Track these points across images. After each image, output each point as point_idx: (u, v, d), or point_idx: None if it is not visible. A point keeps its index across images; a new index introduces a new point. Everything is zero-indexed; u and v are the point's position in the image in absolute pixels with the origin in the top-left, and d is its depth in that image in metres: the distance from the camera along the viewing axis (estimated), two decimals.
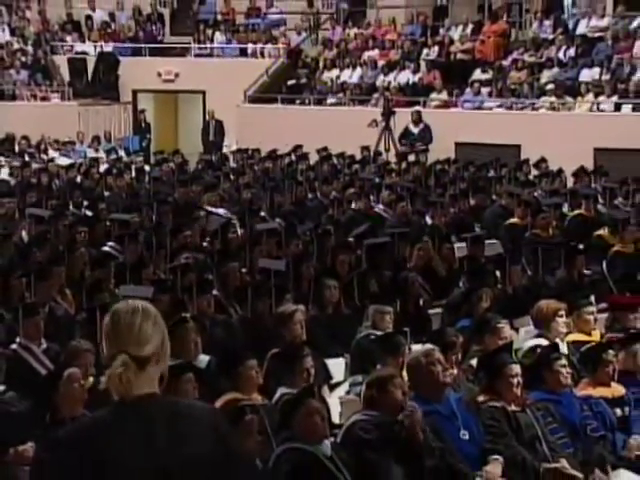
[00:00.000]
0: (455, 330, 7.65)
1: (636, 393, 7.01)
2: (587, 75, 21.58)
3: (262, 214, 14.02)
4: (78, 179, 18.58)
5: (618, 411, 6.87)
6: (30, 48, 27.12)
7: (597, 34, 22.57)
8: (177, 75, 26.58)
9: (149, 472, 3.09)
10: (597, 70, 21.53)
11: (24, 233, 13.11)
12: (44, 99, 25.94)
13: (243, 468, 3.33)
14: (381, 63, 24.81)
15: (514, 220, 13.45)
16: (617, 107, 20.67)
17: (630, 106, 20.48)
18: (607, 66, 21.46)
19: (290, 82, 25.81)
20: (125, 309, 3.23)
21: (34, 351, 7.93)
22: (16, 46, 26.95)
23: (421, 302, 9.82)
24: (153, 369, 3.18)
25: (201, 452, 3.14)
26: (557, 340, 7.68)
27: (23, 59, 26.67)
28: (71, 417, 6.11)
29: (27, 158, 21.89)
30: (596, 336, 8.07)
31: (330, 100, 24.69)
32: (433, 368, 6.29)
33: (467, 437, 6.21)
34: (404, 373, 6.71)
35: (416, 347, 7.41)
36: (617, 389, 6.95)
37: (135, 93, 26.81)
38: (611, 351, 7.04)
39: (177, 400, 3.31)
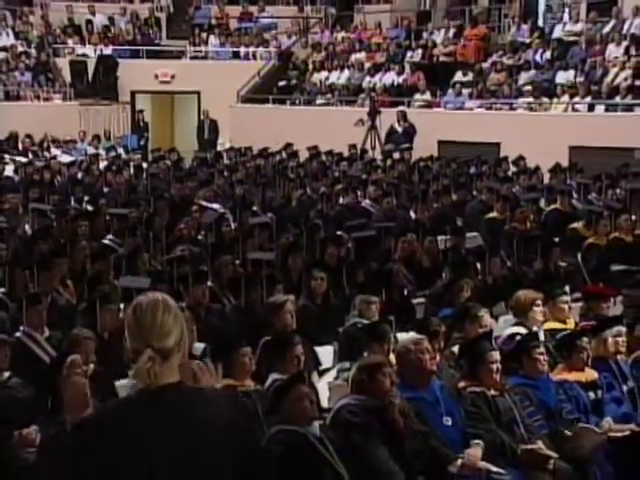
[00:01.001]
0: (438, 319, 7.67)
1: (608, 377, 7.03)
2: (562, 77, 21.61)
3: (254, 209, 14.00)
4: (79, 175, 18.53)
5: (591, 394, 6.88)
6: (33, 51, 27.03)
7: (571, 38, 22.61)
8: (173, 77, 26.57)
9: (166, 457, 3.10)
10: (572, 72, 21.56)
11: (27, 227, 13.08)
12: (47, 99, 25.87)
13: (256, 455, 3.34)
14: (367, 65, 24.82)
15: (494, 214, 13.45)
16: (591, 107, 20.70)
17: (603, 106, 20.51)
18: (581, 68, 21.49)
19: (281, 83, 25.81)
20: (146, 303, 3.24)
21: (37, 339, 7.92)
22: (20, 49, 26.85)
23: (405, 292, 9.82)
24: (175, 359, 3.22)
25: (216, 439, 3.16)
26: (534, 328, 7.71)
27: (27, 61, 26.57)
28: (73, 401, 6.13)
29: (30, 156, 21.86)
30: (571, 324, 8.09)
31: (319, 100, 24.69)
32: (421, 356, 6.29)
33: (450, 423, 6.22)
34: (391, 358, 6.73)
35: (401, 335, 7.43)
36: (590, 374, 6.97)
37: (133, 94, 26.77)
38: (585, 338, 7.05)
39: (197, 388, 3.37)
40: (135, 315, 3.23)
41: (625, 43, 21.31)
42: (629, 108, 20.09)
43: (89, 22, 27.78)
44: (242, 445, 3.21)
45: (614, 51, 21.35)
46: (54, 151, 22.92)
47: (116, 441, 3.11)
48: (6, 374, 6.91)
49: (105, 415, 3.25)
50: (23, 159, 20.97)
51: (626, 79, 20.49)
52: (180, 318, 3.27)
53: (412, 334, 6.83)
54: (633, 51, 21.01)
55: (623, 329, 7.30)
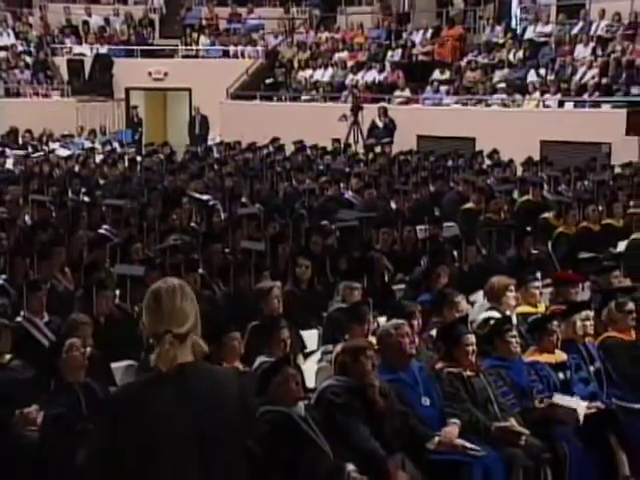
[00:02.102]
0: (413, 302, 7.67)
1: (576, 359, 7.04)
2: (534, 75, 21.63)
3: (243, 200, 13.98)
4: (76, 168, 18.44)
5: (561, 375, 6.89)
6: (33, 50, 26.91)
7: (542, 39, 22.62)
8: (166, 74, 26.47)
9: (186, 432, 3.17)
10: (543, 71, 21.59)
11: (27, 217, 13.01)
12: (45, 96, 25.76)
13: (256, 427, 3.45)
14: (350, 64, 24.78)
15: (469, 205, 13.47)
16: (560, 104, 20.73)
17: (572, 103, 20.54)
18: (551, 67, 21.51)
19: (268, 81, 25.76)
20: (165, 289, 3.31)
21: (37, 324, 7.89)
22: (20, 48, 26.75)
23: (386, 279, 9.82)
24: (189, 340, 3.29)
25: (229, 415, 3.24)
26: (507, 312, 7.72)
27: (26, 60, 26.47)
28: (74, 382, 6.13)
29: (30, 149, 21.76)
30: (542, 308, 8.10)
31: (304, 97, 24.65)
32: (401, 340, 6.29)
33: (428, 403, 6.22)
34: (371, 339, 6.74)
35: (382, 320, 7.43)
36: (560, 355, 6.98)
37: (128, 91, 26.67)
38: (555, 322, 7.06)
39: (210, 367, 3.41)
40: (155, 301, 3.29)
41: (592, 44, 21.35)
42: (596, 105, 20.14)
43: (85, 23, 27.66)
44: (249, 414, 3.37)
45: (582, 51, 21.38)
46: (52, 145, 22.82)
47: (144, 422, 3.16)
48: (8, 356, 6.89)
49: (131, 397, 3.28)
50: (22, 153, 20.86)
51: (593, 77, 20.53)
52: (195, 302, 3.35)
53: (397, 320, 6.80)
54: (599, 51, 21.05)
55: (591, 313, 7.32)
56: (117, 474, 3.15)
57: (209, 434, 3.19)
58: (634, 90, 19.65)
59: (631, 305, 7.42)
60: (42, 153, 21.07)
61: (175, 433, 3.16)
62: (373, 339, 6.85)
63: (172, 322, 3.26)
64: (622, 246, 11.34)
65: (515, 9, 24.00)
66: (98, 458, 3.22)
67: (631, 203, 13.18)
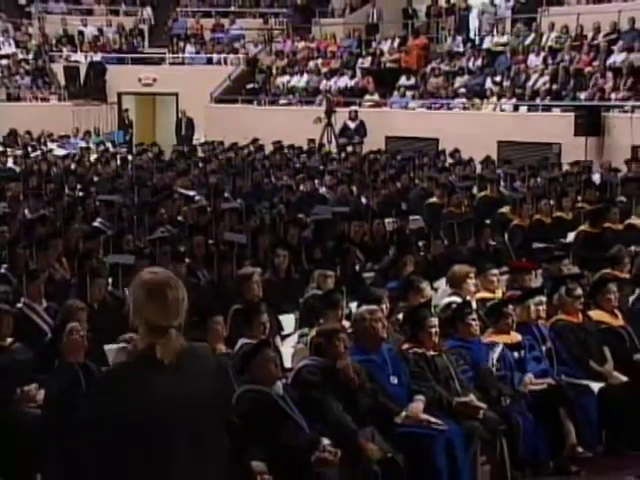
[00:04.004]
0: (382, 288, 7.65)
1: (530, 340, 7.06)
2: (491, 81, 21.68)
3: (226, 195, 13.92)
4: (72, 167, 18.31)
5: (516, 354, 6.90)
6: (32, 58, 26.69)
7: (499, 48, 22.66)
8: (155, 80, 26.35)
9: (180, 399, 3.14)
10: (499, 78, 21.63)
11: (27, 211, 12.89)
12: (43, 100, 25.58)
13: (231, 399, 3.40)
14: (324, 70, 24.72)
15: (433, 200, 13.47)
16: (516, 108, 20.78)
17: (526, 107, 20.60)
18: (507, 74, 21.56)
19: (249, 86, 25.66)
20: (157, 282, 3.20)
21: (36, 309, 7.82)
22: (20, 56, 26.54)
23: (357, 267, 9.80)
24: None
25: (213, 384, 3.24)
26: (468, 298, 7.72)
27: (26, 67, 26.27)
28: (74, 362, 6.09)
29: (29, 149, 21.56)
30: (499, 294, 8.10)
31: (282, 101, 24.58)
32: (375, 325, 6.25)
33: (396, 381, 6.20)
34: (344, 323, 6.72)
35: (354, 305, 7.42)
36: (515, 337, 6.98)
37: (120, 95, 26.50)
38: (510, 306, 7.06)
39: (192, 344, 3.36)
40: (155, 294, 3.19)
41: (543, 54, 21.41)
42: (547, 108, 20.20)
43: (81, 33, 27.49)
44: (227, 387, 3.32)
45: (534, 60, 21.43)
46: (50, 145, 22.65)
47: (134, 398, 3.13)
48: (9, 340, 6.83)
49: (122, 376, 3.26)
50: (22, 152, 20.68)
51: (545, 84, 20.59)
52: (183, 288, 3.26)
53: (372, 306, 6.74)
54: (550, 60, 21.11)
55: (543, 298, 7.34)
56: (118, 441, 3.11)
57: (200, 407, 3.17)
58: (581, 96, 19.74)
59: (579, 290, 7.45)
60: (40, 152, 20.90)
61: (171, 408, 3.13)
62: (346, 323, 6.85)
63: (177, 316, 3.19)
64: (571, 237, 11.40)
65: (474, 21, 23.98)
66: (101, 426, 3.16)
67: (579, 198, 13.24)
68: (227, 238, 10.15)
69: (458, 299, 7.59)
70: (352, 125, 21.83)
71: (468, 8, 24.33)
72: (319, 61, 25.15)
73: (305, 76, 24.89)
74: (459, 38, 23.74)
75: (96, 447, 3.15)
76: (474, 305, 7.45)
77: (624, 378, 7.09)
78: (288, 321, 8.10)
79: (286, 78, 25.19)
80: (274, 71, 25.73)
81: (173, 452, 3.11)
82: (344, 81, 23.97)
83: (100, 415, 3.15)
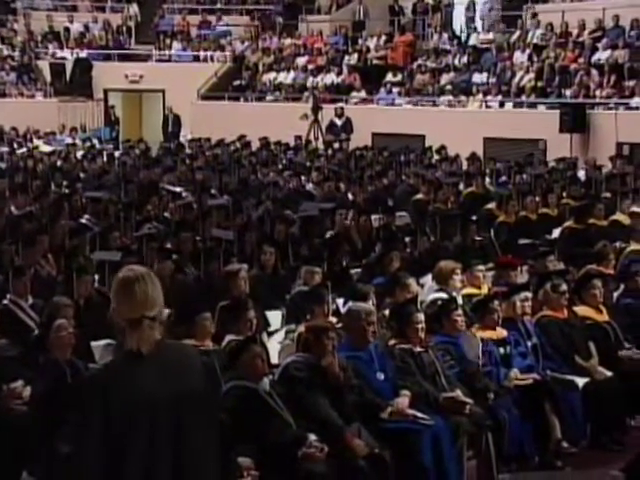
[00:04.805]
0: (368, 284, 7.65)
1: (515, 335, 7.07)
2: (477, 78, 21.70)
3: (212, 192, 13.89)
4: (58, 163, 18.24)
5: (501, 350, 6.91)
6: (17, 54, 26.54)
7: (485, 45, 22.70)
8: (141, 77, 26.25)
9: (165, 399, 3.18)
10: (485, 74, 21.66)
11: (13, 208, 12.83)
12: (29, 97, 25.45)
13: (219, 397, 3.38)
14: (310, 67, 24.70)
15: (420, 196, 13.49)
16: (501, 104, 20.83)
17: (511, 104, 20.66)
18: (493, 71, 21.59)
19: (235, 83, 25.63)
20: (134, 277, 3.29)
21: (22, 306, 7.78)
22: (6, 53, 26.37)
23: (344, 263, 9.79)
24: (158, 320, 3.32)
25: (198, 384, 3.26)
26: (454, 293, 7.73)
27: (12, 63, 26.12)
28: (61, 359, 6.07)
29: (15, 146, 21.46)
30: (485, 290, 8.11)
31: (268, 97, 24.55)
32: (367, 327, 6.22)
33: (382, 377, 6.20)
34: (331, 319, 6.71)
35: (340, 301, 7.42)
36: (501, 332, 7.00)
37: (106, 92, 26.39)
38: (496, 302, 7.07)
39: (176, 342, 3.46)
40: (126, 289, 3.28)
41: (528, 51, 21.46)
42: (533, 105, 20.26)
43: (67, 29, 27.35)
44: (213, 384, 3.45)
45: (520, 57, 21.48)
46: (36, 142, 22.55)
47: (130, 393, 3.16)
48: None
49: (110, 373, 3.30)
50: (8, 149, 20.58)
51: (530, 81, 20.64)
52: (159, 286, 3.34)
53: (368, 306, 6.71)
54: (535, 57, 21.16)
55: (529, 294, 7.35)
56: (103, 441, 3.14)
57: (184, 401, 3.20)
58: (566, 93, 19.79)
59: (564, 286, 7.47)
60: (26, 149, 20.80)
61: (156, 402, 3.17)
62: (332, 319, 6.84)
63: (146, 308, 3.27)
64: (556, 233, 11.44)
65: (460, 18, 24.00)
66: (87, 427, 3.20)
67: (564, 194, 13.28)
68: (215, 235, 10.13)
69: (444, 295, 7.60)
70: (339, 122, 21.83)
71: (451, 4, 24.34)
72: (306, 58, 25.12)
73: (292, 73, 24.86)
74: (445, 35, 23.77)
75: (80, 443, 3.19)
76: (460, 301, 7.46)
77: (609, 373, 7.11)
78: (275, 317, 8.09)
79: (273, 75, 25.16)
80: (261, 68, 25.69)
81: (153, 446, 3.14)
82: (331, 78, 23.96)
83: (86, 420, 3.20)
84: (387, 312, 7.10)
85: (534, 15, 22.11)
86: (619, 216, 11.57)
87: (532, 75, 20.65)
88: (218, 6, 28.50)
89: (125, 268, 3.39)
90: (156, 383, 3.19)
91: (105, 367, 3.60)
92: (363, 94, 23.25)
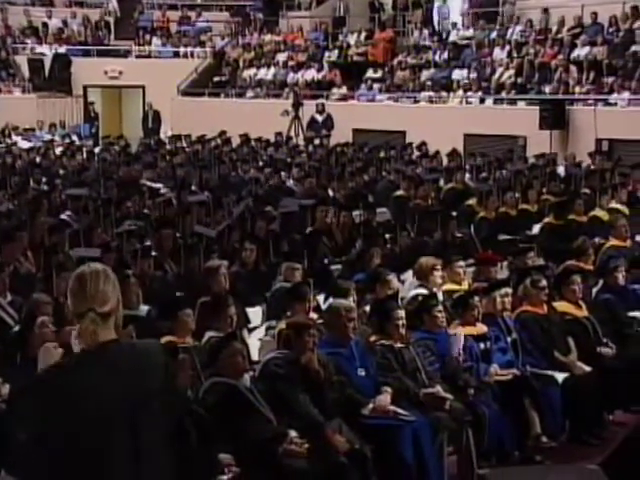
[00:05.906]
0: (349, 280, 7.66)
1: (495, 331, 7.09)
2: (458, 74, 21.75)
3: (193, 188, 13.85)
4: (37, 160, 18.12)
5: (482, 345, 6.93)
6: None
7: (465, 42, 22.75)
8: (121, 73, 26.13)
9: (117, 403, 3.06)
10: (465, 71, 21.72)
11: None
12: (8, 92, 25.26)
13: (181, 398, 3.29)
14: (291, 63, 24.68)
15: (400, 192, 13.50)
16: (482, 100, 20.89)
17: (491, 100, 20.72)
18: (473, 67, 21.66)
19: (215, 79, 25.57)
20: (89, 272, 3.18)
21: (1, 303, 7.72)
22: None
23: (325, 260, 9.80)
24: (111, 321, 3.18)
25: (156, 385, 3.14)
26: (434, 289, 7.75)
27: None
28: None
29: None
30: (465, 286, 8.13)
31: (249, 94, 24.51)
32: (347, 323, 6.23)
33: (364, 374, 6.20)
34: (311, 315, 6.71)
35: (321, 298, 7.41)
36: (481, 328, 7.02)
37: (85, 88, 26.24)
38: (476, 298, 7.09)
39: (134, 342, 3.33)
40: (79, 283, 3.17)
41: (508, 47, 21.54)
42: (513, 102, 20.32)
43: (45, 24, 27.13)
44: (170, 385, 3.23)
45: (499, 53, 21.55)
46: (15, 138, 22.40)
47: (71, 403, 3.04)
48: None
49: (58, 373, 3.18)
50: None
51: (510, 77, 20.71)
52: (117, 287, 3.21)
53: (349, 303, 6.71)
54: (515, 54, 21.24)
55: (509, 290, 7.36)
56: (46, 460, 3.00)
57: (138, 400, 3.08)
58: (546, 89, 19.87)
59: (544, 282, 7.50)
60: (5, 145, 20.66)
61: (103, 408, 3.04)
62: (313, 315, 6.84)
63: (95, 302, 3.14)
64: (536, 229, 11.48)
65: (440, 14, 24.03)
66: (28, 446, 3.04)
67: (544, 190, 13.34)
68: (197, 231, 10.10)
69: (425, 291, 7.61)
70: (319, 118, 21.82)
71: (432, 0, 24.38)
72: (286, 54, 25.10)
73: (272, 69, 24.83)
74: (425, 31, 23.80)
75: (29, 455, 3.05)
76: (440, 297, 7.47)
77: (587, 368, 7.15)
78: (255, 314, 8.08)
79: (253, 71, 25.11)
80: (241, 64, 25.64)
81: (107, 451, 3.02)
82: (311, 74, 23.95)
83: (29, 429, 3.07)
84: (368, 308, 7.11)
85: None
86: (598, 212, 11.63)
87: (512, 71, 20.73)
88: (198, 2, 28.41)
89: (85, 265, 3.27)
90: (103, 388, 3.05)
91: (43, 376, 3.39)
92: (344, 90, 23.26)
